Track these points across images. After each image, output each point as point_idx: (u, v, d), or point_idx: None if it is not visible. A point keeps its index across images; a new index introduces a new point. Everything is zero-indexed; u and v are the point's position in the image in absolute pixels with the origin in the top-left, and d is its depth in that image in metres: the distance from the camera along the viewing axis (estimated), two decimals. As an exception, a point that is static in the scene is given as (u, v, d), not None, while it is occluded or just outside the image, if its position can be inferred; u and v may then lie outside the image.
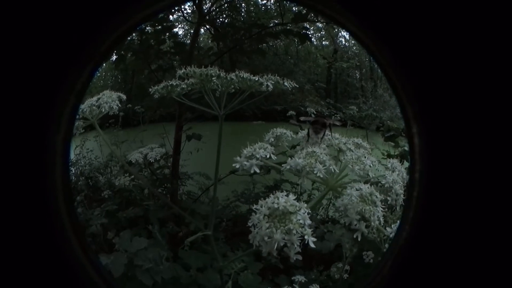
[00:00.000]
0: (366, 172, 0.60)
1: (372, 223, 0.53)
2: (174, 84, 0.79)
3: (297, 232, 0.47)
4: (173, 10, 2.28)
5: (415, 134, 0.32)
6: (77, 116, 0.70)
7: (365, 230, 0.53)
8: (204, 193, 2.09)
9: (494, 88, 0.30)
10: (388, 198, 0.58)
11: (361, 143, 0.71)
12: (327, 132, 0.73)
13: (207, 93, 0.75)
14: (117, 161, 2.06)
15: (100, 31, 0.32)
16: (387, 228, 0.61)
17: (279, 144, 0.74)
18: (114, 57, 2.09)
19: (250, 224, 0.50)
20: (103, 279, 0.35)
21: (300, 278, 1.17)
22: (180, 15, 2.60)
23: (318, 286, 1.07)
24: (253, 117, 3.13)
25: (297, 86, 0.80)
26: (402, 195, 0.58)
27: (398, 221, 0.60)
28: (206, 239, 0.85)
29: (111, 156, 2.27)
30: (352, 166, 0.61)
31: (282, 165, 0.61)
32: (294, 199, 0.51)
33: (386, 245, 0.65)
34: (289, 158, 0.60)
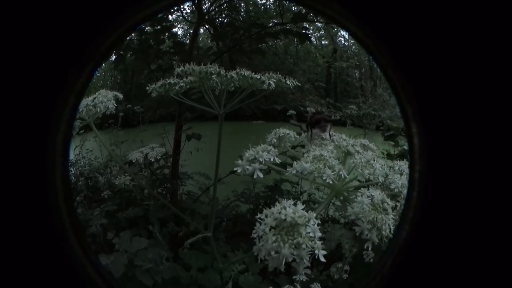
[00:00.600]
0: (376, 176, 0.57)
1: (383, 232, 0.50)
2: (172, 82, 0.77)
3: (306, 246, 0.44)
4: (172, 10, 2.28)
5: (415, 134, 0.32)
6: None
7: (376, 240, 0.50)
8: (204, 193, 2.09)
9: (494, 88, 0.30)
10: (397, 203, 0.55)
11: (368, 144, 0.69)
12: (331, 130, 0.71)
13: (207, 91, 0.75)
14: (116, 162, 2.06)
15: (100, 31, 0.31)
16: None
17: (282, 145, 0.72)
18: (113, 57, 2.09)
19: (254, 235, 0.46)
20: (103, 279, 0.35)
21: (302, 277, 1.17)
22: (180, 15, 2.60)
23: (319, 285, 1.07)
24: (253, 117, 3.13)
25: (299, 84, 0.79)
26: None
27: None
28: (206, 239, 0.85)
29: (110, 156, 2.27)
30: (361, 170, 0.58)
31: (288, 169, 0.58)
32: (303, 209, 0.47)
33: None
34: (295, 162, 0.57)
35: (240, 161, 0.58)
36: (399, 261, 0.33)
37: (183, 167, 2.16)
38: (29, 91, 0.30)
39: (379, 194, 0.52)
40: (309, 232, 0.45)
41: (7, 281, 0.31)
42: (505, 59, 0.29)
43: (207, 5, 2.21)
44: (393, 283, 0.33)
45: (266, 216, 0.46)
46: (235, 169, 0.58)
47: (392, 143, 2.09)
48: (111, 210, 1.61)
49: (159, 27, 1.94)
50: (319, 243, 0.45)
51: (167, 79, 0.78)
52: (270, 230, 0.45)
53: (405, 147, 1.91)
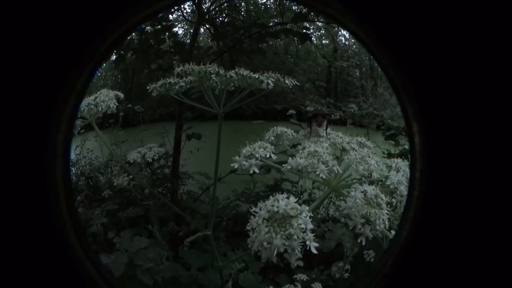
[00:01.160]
0: (370, 172, 0.58)
1: (377, 227, 0.51)
2: (173, 82, 0.78)
3: (298, 237, 0.45)
4: (172, 10, 2.28)
5: (416, 133, 0.32)
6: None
7: (370, 235, 0.51)
8: (204, 192, 2.09)
9: (494, 87, 0.30)
10: (393, 200, 0.56)
11: (364, 142, 0.69)
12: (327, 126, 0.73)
13: (206, 91, 0.75)
14: (117, 161, 2.06)
15: (100, 31, 0.31)
16: (392, 232, 0.59)
17: (280, 143, 0.73)
18: (114, 57, 2.09)
19: (248, 228, 0.48)
20: (104, 279, 0.35)
21: (302, 276, 1.17)
22: (180, 15, 2.60)
23: (320, 284, 1.07)
24: (253, 116, 3.14)
25: (298, 84, 0.79)
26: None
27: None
28: (206, 239, 0.85)
29: (111, 156, 2.27)
30: (356, 166, 0.59)
31: (283, 165, 0.59)
32: (295, 202, 0.48)
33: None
34: (290, 158, 0.58)
35: (237, 157, 0.60)
36: (400, 260, 0.33)
37: (183, 166, 2.17)
38: (29, 91, 0.30)
39: (373, 189, 0.53)
40: (300, 224, 0.46)
41: (7, 281, 0.31)
42: (506, 58, 0.29)
43: (208, 4, 2.21)
44: (393, 282, 0.33)
45: (260, 209, 0.48)
46: (232, 164, 0.59)
47: (393, 142, 2.09)
48: (111, 209, 1.61)
49: (159, 26, 1.95)
50: (310, 235, 0.46)
51: (167, 79, 0.78)
52: (263, 222, 0.47)
53: (406, 147, 1.91)
